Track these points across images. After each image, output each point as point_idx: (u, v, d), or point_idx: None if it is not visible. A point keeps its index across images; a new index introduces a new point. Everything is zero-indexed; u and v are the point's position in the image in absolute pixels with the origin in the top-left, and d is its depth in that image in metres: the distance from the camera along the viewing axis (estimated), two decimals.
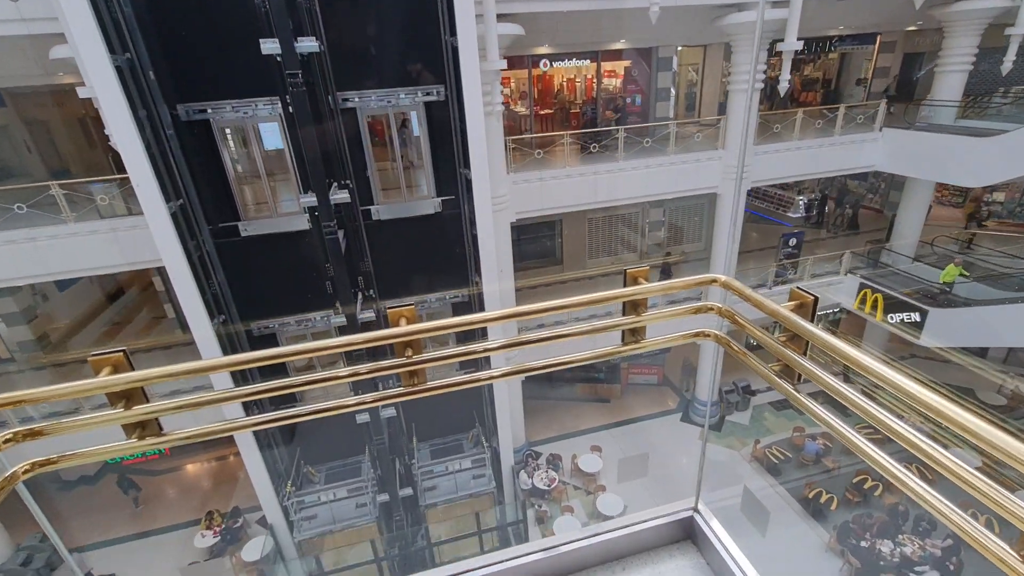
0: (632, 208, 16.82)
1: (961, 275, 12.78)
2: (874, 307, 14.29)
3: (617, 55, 15.27)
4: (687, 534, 2.10)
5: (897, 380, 1.00)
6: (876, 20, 13.80)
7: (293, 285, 9.90)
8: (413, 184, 10.00)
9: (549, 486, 13.03)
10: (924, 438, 0.95)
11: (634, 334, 1.59)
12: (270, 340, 10.32)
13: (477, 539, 11.61)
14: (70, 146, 15.57)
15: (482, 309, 10.82)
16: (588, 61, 14.88)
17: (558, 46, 13.06)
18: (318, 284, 9.33)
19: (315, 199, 7.66)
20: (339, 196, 7.95)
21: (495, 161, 10.53)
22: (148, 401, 1.24)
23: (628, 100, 15.68)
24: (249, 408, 8.97)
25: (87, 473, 14.80)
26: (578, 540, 1.97)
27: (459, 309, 11.26)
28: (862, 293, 14.57)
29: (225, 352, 9.21)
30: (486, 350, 1.47)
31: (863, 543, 10.83)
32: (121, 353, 1.21)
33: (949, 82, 12.87)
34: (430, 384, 1.44)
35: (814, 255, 15.07)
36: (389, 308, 1.40)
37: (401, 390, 1.42)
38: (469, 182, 9.57)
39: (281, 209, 9.42)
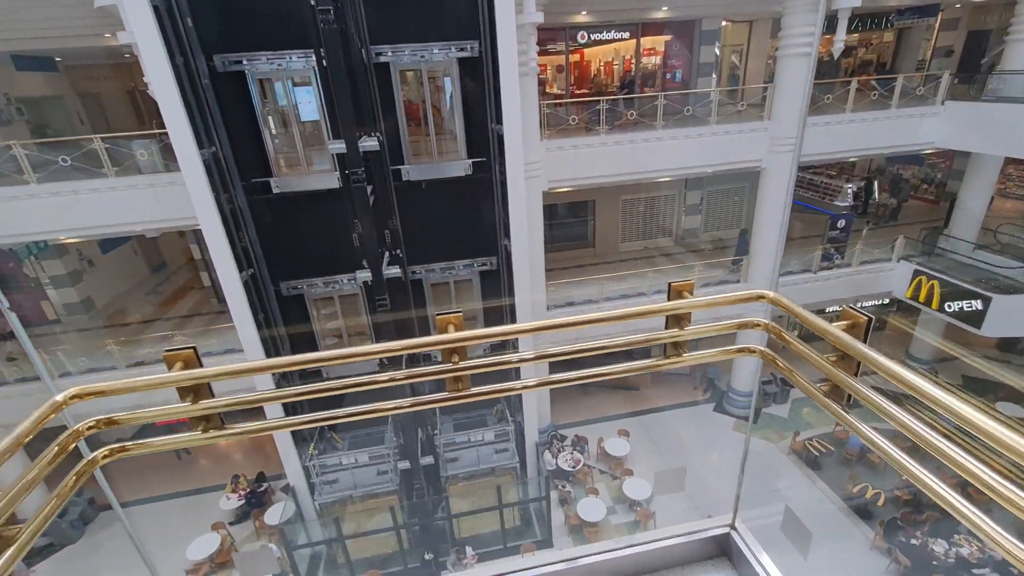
0: (668, 190, 16.27)
1: None
2: (929, 296, 13.34)
3: (658, 29, 14.76)
4: (723, 551, 2.07)
5: (956, 407, 0.95)
6: None
7: (322, 245, 9.85)
8: (444, 144, 9.82)
9: (574, 467, 12.63)
10: (980, 465, 0.90)
11: (676, 347, 1.55)
12: (297, 301, 10.32)
13: (498, 514, 11.30)
14: (120, 118, 16.12)
15: (510, 280, 10.54)
16: (627, 35, 14.43)
17: (597, 13, 12.67)
18: (346, 244, 9.22)
19: (343, 146, 7.53)
20: (368, 144, 7.81)
21: (529, 125, 10.25)
22: (213, 396, 1.32)
23: (668, 76, 15.14)
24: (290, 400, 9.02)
25: (123, 436, 15.24)
26: (611, 551, 1.97)
27: (487, 278, 11.02)
28: (916, 280, 13.62)
29: (252, 305, 9.22)
30: (521, 360, 1.49)
31: (913, 541, 10.03)
32: (191, 350, 1.29)
33: (1022, 53, 11.87)
34: (474, 390, 1.48)
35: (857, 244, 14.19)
36: (437, 314, 1.43)
37: (446, 395, 1.46)
38: (502, 143, 9.30)
39: (313, 167, 9.39)
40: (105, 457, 1.31)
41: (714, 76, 14.60)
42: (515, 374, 10.77)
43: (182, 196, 8.84)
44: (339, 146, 7.61)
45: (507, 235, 9.89)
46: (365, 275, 8.49)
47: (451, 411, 11.73)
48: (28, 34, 10.34)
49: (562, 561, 1.96)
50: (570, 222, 16.70)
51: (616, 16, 12.96)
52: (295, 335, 10.50)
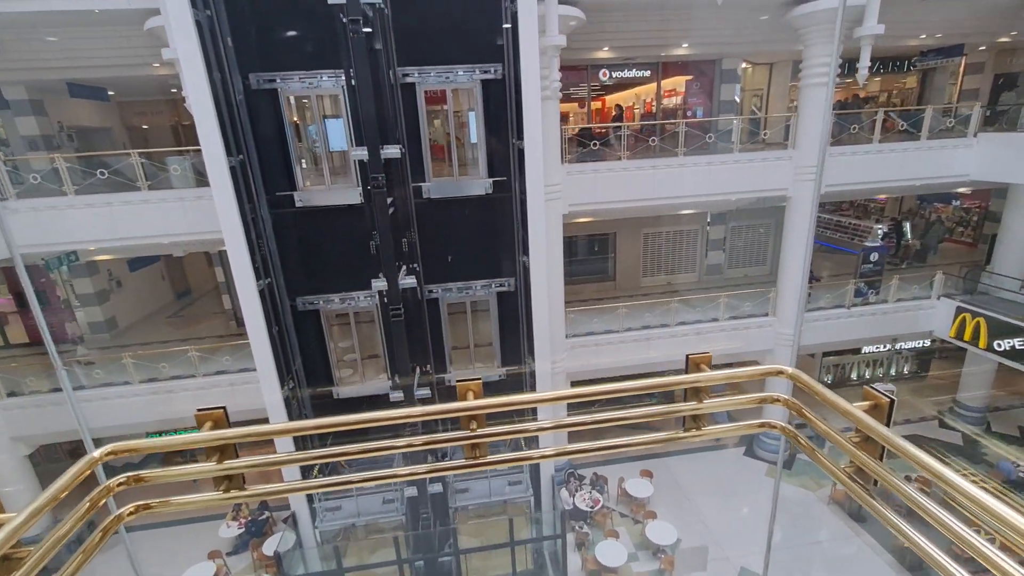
0: (691, 224, 16.08)
1: None
2: (976, 334, 12.52)
3: (678, 69, 15.11)
4: None
5: (984, 499, 0.93)
6: (963, 24, 12.93)
7: (340, 261, 9.85)
8: (466, 162, 9.92)
9: (592, 508, 11.79)
10: (1013, 563, 0.88)
11: (695, 420, 1.54)
12: (313, 316, 10.22)
13: (509, 555, 10.48)
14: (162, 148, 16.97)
15: (528, 302, 10.30)
16: (648, 74, 14.78)
17: (618, 49, 13.05)
18: (364, 261, 9.18)
19: (366, 152, 7.64)
20: (390, 151, 7.91)
21: (549, 147, 10.32)
22: (238, 456, 1.36)
23: (689, 113, 15.33)
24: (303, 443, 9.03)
25: (132, 460, 14.99)
26: None
27: (504, 300, 10.80)
28: (960, 318, 12.85)
29: (267, 316, 9.14)
30: (539, 429, 1.52)
31: None
32: (221, 410, 1.35)
33: None
34: (491, 458, 1.48)
35: (893, 279, 13.58)
36: (458, 381, 1.44)
37: (462, 462, 1.46)
38: (522, 161, 9.35)
39: (336, 183, 9.55)
40: (131, 514, 1.35)
41: (737, 106, 14.69)
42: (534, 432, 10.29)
43: (208, 209, 9.04)
44: (362, 153, 7.72)
45: (526, 253, 9.75)
46: (381, 284, 8.38)
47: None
48: (83, 62, 11.11)
49: None
50: (591, 256, 16.55)
51: (637, 52, 13.32)
52: (308, 351, 10.34)
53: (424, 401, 10.08)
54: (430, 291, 10.42)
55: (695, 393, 1.49)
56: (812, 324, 13.15)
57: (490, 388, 11.33)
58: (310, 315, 10.23)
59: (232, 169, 8.23)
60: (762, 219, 16.07)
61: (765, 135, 11.97)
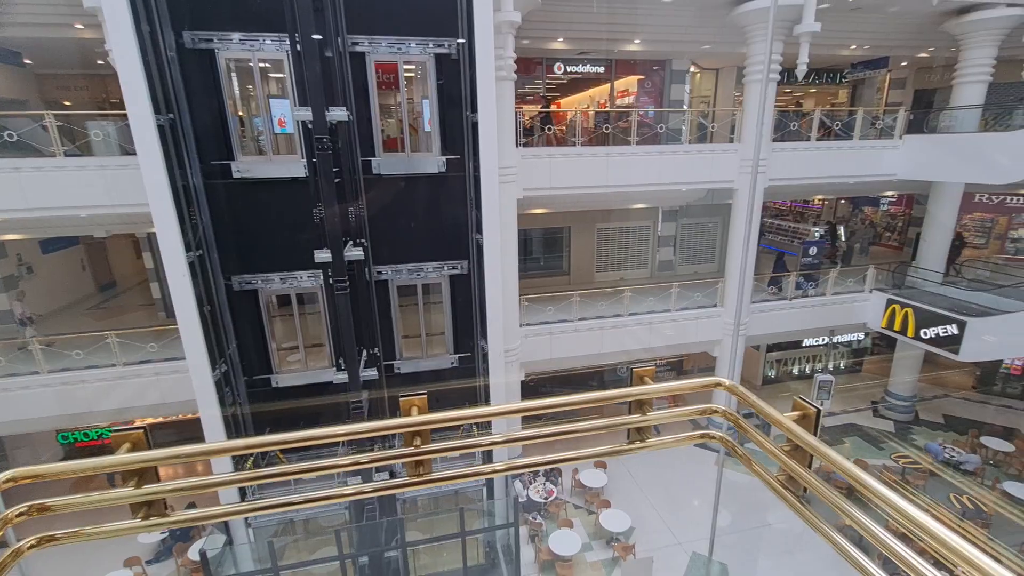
0: (642, 220, 16.38)
1: None
2: (904, 324, 13.28)
3: (631, 68, 15.46)
4: None
5: (903, 506, 0.99)
6: (889, 37, 13.92)
7: (281, 239, 9.28)
8: (418, 138, 9.64)
9: (546, 499, 11.53)
10: (929, 567, 0.95)
11: (639, 432, 1.58)
12: (250, 297, 9.56)
13: (459, 550, 10.04)
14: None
15: (481, 285, 10.06)
16: (601, 70, 15.04)
17: (573, 40, 13.18)
18: (307, 239, 8.66)
19: (310, 113, 7.23)
20: (336, 113, 7.52)
21: (504, 129, 10.22)
22: (160, 480, 1.25)
23: (641, 113, 15.66)
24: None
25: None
26: None
27: (457, 283, 10.50)
28: (890, 309, 13.61)
29: (197, 293, 8.44)
30: (492, 443, 1.50)
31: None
32: (142, 431, 1.25)
33: (968, 93, 12.69)
34: (435, 475, 1.44)
35: (831, 273, 14.27)
36: (401, 396, 1.43)
37: (406, 480, 1.42)
38: (476, 138, 9.18)
39: (280, 152, 9.03)
40: (32, 547, 1.24)
41: (686, 104, 15.16)
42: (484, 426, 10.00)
43: (134, 180, 8.33)
44: (305, 113, 7.30)
45: (479, 232, 9.52)
46: (325, 255, 7.92)
47: None
48: None
49: None
50: (545, 251, 16.52)
51: (590, 45, 13.51)
52: (244, 335, 9.64)
53: (370, 385, 9.59)
54: (379, 272, 9.99)
55: (639, 406, 1.52)
56: (757, 315, 13.57)
57: (442, 375, 10.94)
58: (247, 296, 9.55)
59: (160, 128, 7.59)
60: (710, 216, 16.58)
61: (713, 127, 12.35)
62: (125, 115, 7.85)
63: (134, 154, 7.93)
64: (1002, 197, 17.59)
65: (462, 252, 10.34)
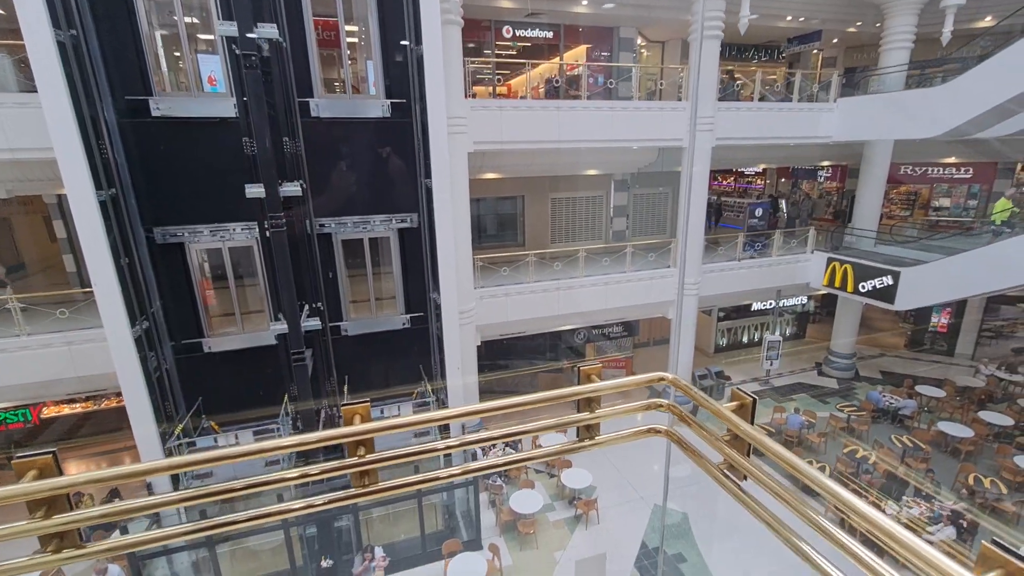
0: (596, 190, 16.38)
1: (1012, 211, 12.22)
2: (844, 280, 13.84)
3: (581, 37, 15.43)
4: None
5: (836, 491, 1.04)
6: (822, 9, 14.55)
7: (210, 187, 8.51)
8: (360, 78, 9.11)
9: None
10: (859, 545, 0.98)
11: (588, 430, 1.59)
12: (176, 252, 8.71)
13: (416, 518, 9.53)
14: None
15: (432, 240, 9.62)
16: (550, 35, 14.93)
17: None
18: (240, 188, 7.92)
19: (235, 28, 6.60)
20: (266, 30, 6.92)
21: (452, 76, 9.86)
22: (72, 509, 1.13)
23: (591, 80, 15.68)
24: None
25: None
26: None
27: (407, 237, 10.02)
28: (831, 267, 14.17)
29: (112, 242, 7.56)
30: (448, 447, 1.46)
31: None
32: (50, 456, 1.12)
33: (894, 58, 13.41)
34: (383, 484, 1.35)
35: (775, 235, 14.74)
36: (343, 405, 1.33)
37: (352, 492, 1.33)
38: (423, 79, 8.73)
39: (200, 85, 8.27)
40: None
41: (634, 85, 15.26)
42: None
43: (35, 120, 7.40)
44: (229, 28, 6.66)
45: (428, 177, 9.09)
46: (257, 190, 7.26)
47: (361, 386, 10.09)
48: None
49: None
50: (500, 222, 16.23)
51: (538, 4, 13.34)
52: (170, 294, 8.77)
53: (311, 337, 8.95)
54: (321, 225, 9.37)
55: (587, 404, 1.53)
56: (708, 276, 13.79)
57: (394, 337, 10.40)
58: (172, 250, 8.70)
59: (60, 45, 6.73)
60: (661, 186, 16.79)
61: (661, 85, 12.45)
62: (22, 44, 6.94)
63: (35, 91, 7.03)
64: (924, 169, 18.81)
65: (411, 205, 9.87)
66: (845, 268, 13.74)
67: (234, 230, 8.83)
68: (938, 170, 18.50)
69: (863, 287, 13.32)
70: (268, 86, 7.80)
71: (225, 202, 8.62)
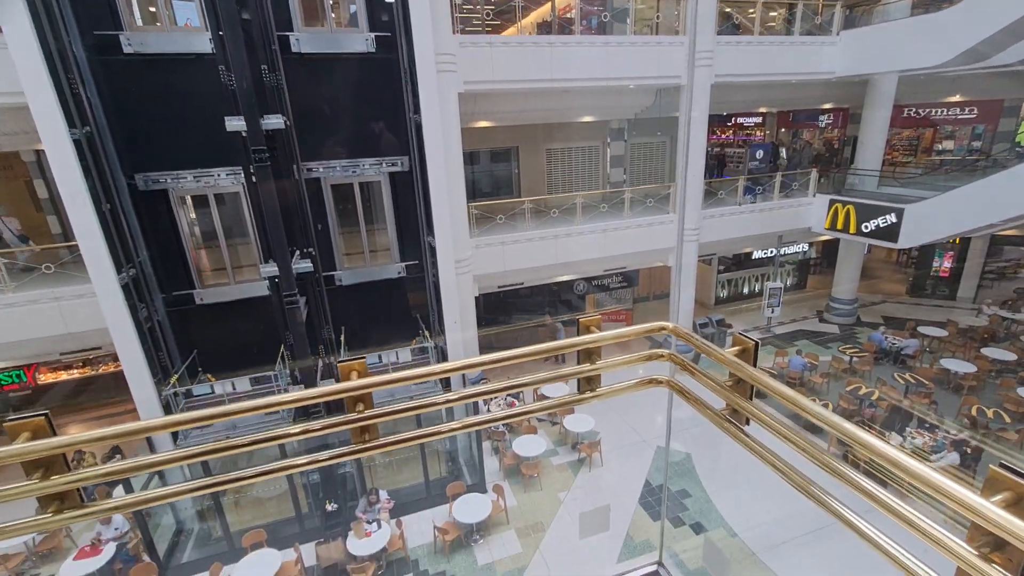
0: (592, 140, 15.97)
1: None
2: (847, 222, 13.60)
3: None
4: None
5: (840, 423, 1.02)
6: None
7: (190, 129, 8.17)
8: (341, 13, 8.67)
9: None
10: (863, 478, 0.97)
11: (589, 382, 1.56)
12: (160, 199, 8.43)
13: (419, 465, 9.51)
14: None
15: (425, 182, 9.32)
16: None
17: None
18: (221, 128, 7.54)
19: None
20: None
21: (439, 9, 9.39)
22: (69, 469, 1.12)
23: (584, 23, 15.08)
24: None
25: None
26: None
27: (399, 182, 9.72)
28: (832, 209, 13.90)
29: (91, 184, 7.27)
30: (448, 401, 1.42)
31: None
32: (43, 417, 1.11)
33: None
34: (383, 440, 1.35)
35: (776, 177, 14.41)
36: (340, 362, 1.30)
37: (352, 447, 1.32)
38: (407, 11, 8.30)
39: (173, 19, 7.85)
40: None
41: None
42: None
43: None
44: None
45: (417, 112, 8.73)
46: (238, 123, 6.94)
47: (360, 331, 9.93)
48: None
49: None
50: (494, 174, 15.88)
51: None
52: (157, 243, 8.52)
53: (305, 285, 8.75)
54: (309, 169, 9.06)
55: (587, 356, 1.51)
56: (708, 222, 13.52)
57: (390, 287, 10.20)
58: (156, 198, 8.42)
59: None
60: (659, 134, 16.37)
61: (658, 18, 11.95)
62: None
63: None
64: (928, 110, 18.34)
65: (401, 147, 9.54)
66: (848, 209, 13.47)
67: (219, 175, 8.54)
68: (942, 111, 18.04)
69: (866, 227, 13.09)
70: (245, 21, 7.40)
71: (208, 146, 8.31)
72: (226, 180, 8.59)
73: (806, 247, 17.62)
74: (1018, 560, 0.76)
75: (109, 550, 7.89)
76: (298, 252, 8.48)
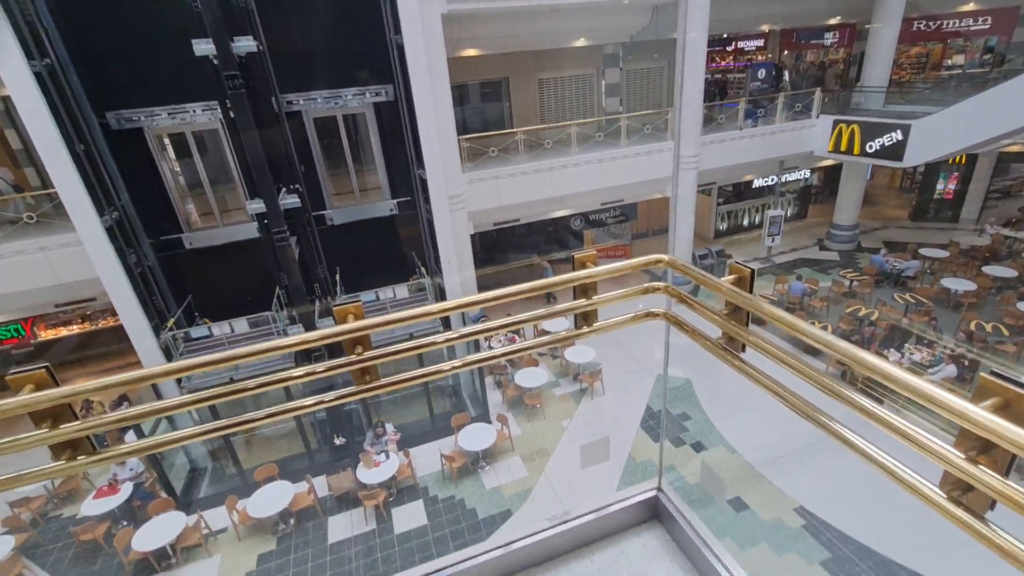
0: (585, 67, 15.23)
1: None
2: (851, 142, 13.16)
3: None
4: (653, 513, 2.16)
5: (834, 342, 1.03)
6: None
7: (158, 62, 7.70)
8: None
9: (509, 344, 11.18)
10: (858, 395, 0.99)
11: (586, 318, 1.55)
12: (136, 139, 8.07)
13: (424, 401, 9.63)
14: None
15: (411, 112, 8.88)
16: None
17: None
18: (193, 61, 7.05)
19: None
20: None
21: None
22: (77, 419, 1.13)
23: None
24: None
25: None
26: (545, 531, 2.01)
27: (384, 113, 9.31)
28: (837, 130, 13.43)
29: (60, 122, 6.91)
30: (447, 340, 1.47)
31: None
32: (43, 370, 1.12)
33: None
34: (385, 380, 1.35)
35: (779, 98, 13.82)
36: (335, 306, 1.33)
37: (356, 388, 1.33)
38: None
39: None
40: None
41: None
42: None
43: None
44: None
45: (398, 30, 8.21)
46: (206, 47, 6.50)
47: (354, 271, 9.81)
48: None
49: (497, 548, 1.96)
50: (485, 108, 15.26)
51: None
52: (138, 186, 8.24)
53: (295, 225, 8.54)
54: (289, 102, 8.63)
55: (583, 291, 1.50)
56: (708, 148, 13.09)
57: (382, 225, 9.99)
58: (132, 138, 8.06)
59: None
60: (656, 55, 15.59)
61: None
62: None
63: None
64: (939, 22, 17.38)
65: (385, 75, 9.05)
66: (852, 129, 13.01)
67: (194, 111, 8.14)
68: (954, 22, 17.10)
69: (870, 147, 12.68)
70: None
71: (181, 80, 7.88)
72: (203, 116, 8.20)
73: (808, 174, 17.20)
74: (1003, 461, 0.79)
75: (127, 489, 8.10)
76: (284, 189, 8.20)
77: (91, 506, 7.84)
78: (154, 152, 8.23)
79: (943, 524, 0.87)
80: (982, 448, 0.81)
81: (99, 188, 7.53)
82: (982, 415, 0.76)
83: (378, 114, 9.28)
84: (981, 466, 0.79)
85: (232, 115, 7.47)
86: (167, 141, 8.30)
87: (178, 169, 8.56)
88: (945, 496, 0.85)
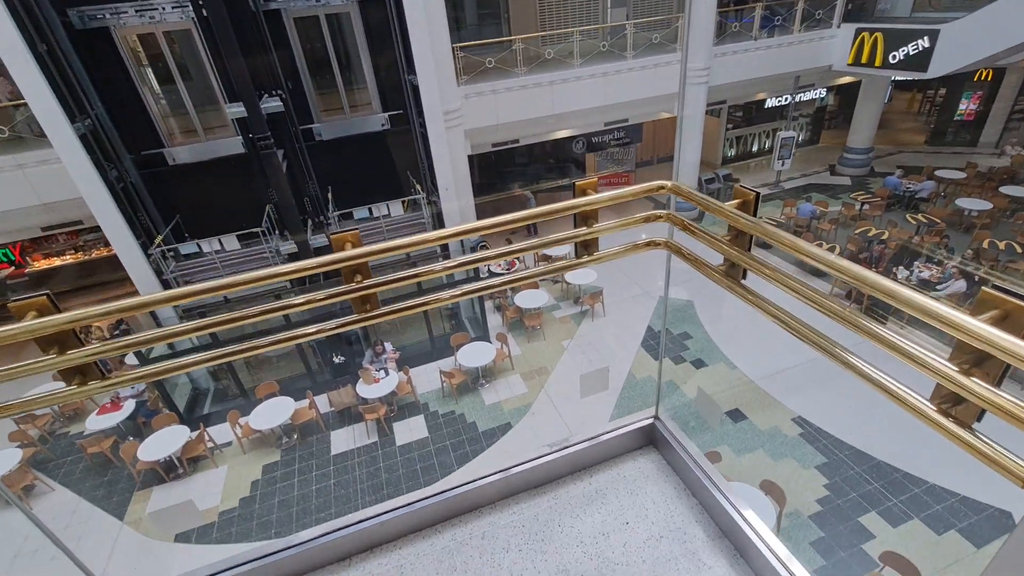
0: None
1: None
2: (873, 52, 12.31)
3: None
4: (649, 440, 2.21)
5: (835, 261, 1.02)
6: None
7: None
8: None
9: (509, 270, 10.98)
10: (858, 315, 0.98)
11: (587, 247, 1.53)
12: (103, 40, 7.48)
13: (422, 323, 9.55)
14: None
15: (400, 10, 8.15)
16: None
17: None
18: None
19: None
20: None
21: None
22: (82, 345, 1.14)
23: None
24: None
25: None
26: (544, 456, 2.06)
27: (370, 10, 8.59)
28: (859, 39, 12.53)
29: (18, 21, 6.33)
30: (446, 269, 1.44)
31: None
32: (44, 297, 1.12)
33: None
34: (385, 308, 1.36)
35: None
36: (332, 235, 1.29)
37: (356, 316, 1.34)
38: None
39: None
40: None
41: None
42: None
43: None
44: None
45: None
46: None
47: (346, 190, 9.47)
48: None
49: (497, 472, 2.00)
50: (480, 21, 14.24)
51: None
52: (112, 95, 7.73)
53: (281, 136, 8.10)
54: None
55: (584, 220, 1.48)
56: (720, 59, 12.28)
57: (374, 141, 9.50)
58: (99, 38, 7.47)
59: None
60: None
61: None
62: None
63: None
64: None
65: None
66: (875, 37, 12.12)
67: (164, 8, 7.49)
68: None
69: (893, 57, 11.86)
70: None
71: None
72: (173, 15, 7.56)
73: (823, 92, 16.32)
74: (995, 373, 0.79)
75: (129, 406, 8.18)
76: (266, 95, 7.69)
77: (96, 421, 7.93)
78: (125, 57, 7.65)
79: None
80: (976, 361, 0.81)
81: (68, 94, 7.04)
82: (979, 326, 0.76)
83: (364, 15, 8.57)
84: (974, 378, 0.79)
85: (204, 13, 6.88)
86: (138, 42, 7.70)
87: (152, 76, 8.00)
88: (935, 408, 0.86)
